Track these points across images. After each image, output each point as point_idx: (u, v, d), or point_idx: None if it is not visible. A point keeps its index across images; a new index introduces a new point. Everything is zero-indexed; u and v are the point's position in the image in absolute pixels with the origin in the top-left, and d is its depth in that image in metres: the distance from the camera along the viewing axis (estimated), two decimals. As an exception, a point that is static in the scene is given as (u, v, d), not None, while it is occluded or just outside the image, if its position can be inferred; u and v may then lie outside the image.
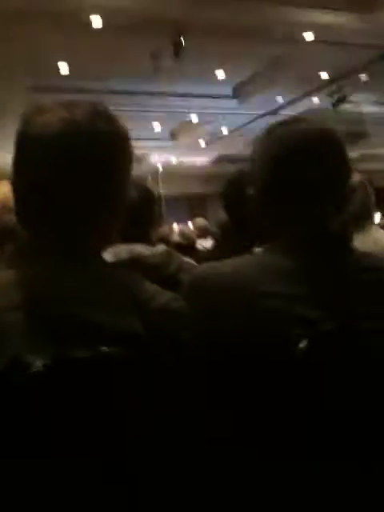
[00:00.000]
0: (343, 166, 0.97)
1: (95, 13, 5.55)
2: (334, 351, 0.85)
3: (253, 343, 0.86)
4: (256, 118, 9.59)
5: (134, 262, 1.56)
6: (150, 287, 0.86)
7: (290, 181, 0.95)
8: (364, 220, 1.93)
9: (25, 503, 0.72)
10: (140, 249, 1.63)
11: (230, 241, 2.01)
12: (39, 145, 0.82)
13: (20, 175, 0.85)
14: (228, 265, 0.97)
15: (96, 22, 5.66)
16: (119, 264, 1.52)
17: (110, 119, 0.86)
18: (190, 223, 5.60)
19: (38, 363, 0.71)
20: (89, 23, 5.67)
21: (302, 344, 0.83)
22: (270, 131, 1.01)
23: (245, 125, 10.04)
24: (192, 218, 7.16)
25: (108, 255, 1.59)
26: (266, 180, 0.98)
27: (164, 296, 0.85)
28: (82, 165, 0.82)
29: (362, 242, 1.18)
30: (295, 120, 1.00)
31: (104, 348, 0.74)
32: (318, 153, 0.95)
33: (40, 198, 0.83)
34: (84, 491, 0.74)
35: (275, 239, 0.99)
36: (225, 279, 0.93)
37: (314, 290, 0.89)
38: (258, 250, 1.72)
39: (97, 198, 0.84)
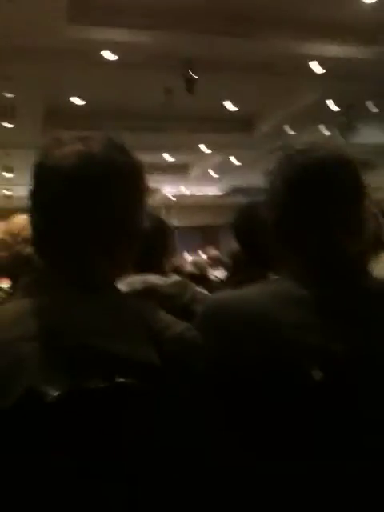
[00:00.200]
0: (360, 194, 0.97)
1: (110, 49, 5.71)
2: (347, 380, 0.85)
3: (266, 372, 0.85)
4: (267, 151, 9.71)
5: (148, 292, 1.56)
6: (165, 317, 0.87)
7: (306, 207, 0.95)
8: (377, 249, 1.94)
9: None
10: (154, 279, 1.64)
11: (242, 270, 2.02)
12: (56, 177, 0.84)
13: (37, 206, 0.87)
14: (242, 293, 0.96)
15: (110, 58, 5.82)
16: (133, 294, 1.53)
17: (124, 151, 0.88)
18: (202, 253, 5.62)
19: (53, 393, 0.71)
20: (103, 59, 5.84)
21: (316, 374, 0.83)
22: (288, 157, 1.00)
23: (256, 157, 10.15)
24: (204, 248, 7.18)
25: (122, 286, 1.60)
26: (283, 206, 0.97)
27: (178, 326, 0.86)
28: (98, 196, 0.84)
29: (376, 270, 1.17)
30: (312, 147, 1.00)
31: (119, 379, 0.74)
32: (336, 180, 0.95)
33: (56, 229, 0.85)
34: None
35: (290, 266, 0.98)
36: (238, 308, 0.93)
37: (327, 318, 0.88)
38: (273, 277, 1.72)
39: (112, 230, 0.86)
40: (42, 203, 0.87)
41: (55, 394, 0.71)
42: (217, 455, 0.82)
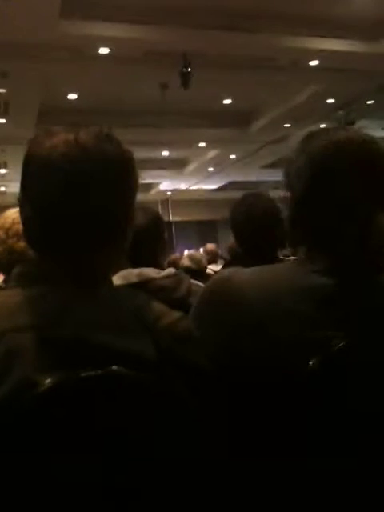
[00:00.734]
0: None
1: (105, 45, 5.69)
2: (347, 375, 0.83)
3: (263, 360, 0.85)
4: (264, 145, 9.71)
5: (143, 285, 1.56)
6: (158, 306, 0.87)
7: (328, 194, 0.92)
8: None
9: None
10: (149, 272, 1.63)
11: (239, 264, 2.01)
12: (46, 167, 0.83)
13: (27, 198, 0.86)
14: (252, 274, 0.94)
15: (106, 53, 5.80)
16: (128, 286, 1.52)
17: (115, 142, 0.88)
18: (201, 250, 5.62)
19: (48, 383, 0.71)
20: (99, 55, 5.82)
21: (312, 362, 0.82)
22: (310, 138, 0.98)
23: (253, 152, 10.16)
24: (202, 243, 7.18)
25: (118, 279, 1.60)
26: (306, 184, 0.94)
27: (172, 315, 0.85)
28: (88, 187, 0.83)
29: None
30: (335, 128, 0.98)
31: (113, 367, 0.73)
32: (359, 155, 0.92)
33: (47, 221, 0.84)
34: (86, 507, 0.73)
35: (307, 254, 0.95)
36: (244, 290, 0.90)
37: (337, 311, 0.86)
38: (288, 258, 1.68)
39: (103, 220, 0.85)
40: (32, 194, 0.86)
41: (48, 382, 0.71)
42: (212, 446, 0.82)
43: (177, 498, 0.78)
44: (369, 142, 0.94)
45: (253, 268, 0.96)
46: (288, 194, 0.99)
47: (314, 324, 0.86)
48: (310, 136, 0.98)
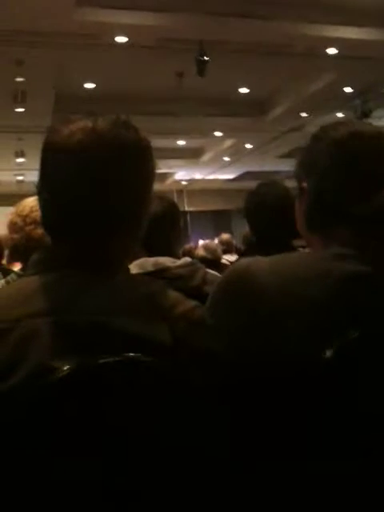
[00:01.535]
0: None
1: (121, 33, 5.66)
2: (362, 360, 0.82)
3: (281, 349, 0.85)
4: (280, 134, 9.63)
5: (159, 274, 1.56)
6: (174, 295, 0.87)
7: (349, 167, 0.92)
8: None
9: (39, 501, 0.73)
10: (164, 260, 1.64)
11: (254, 253, 2.01)
12: (63, 154, 0.84)
13: (45, 185, 0.87)
14: (270, 261, 0.93)
15: (122, 41, 5.77)
16: (144, 274, 1.53)
17: (132, 129, 0.88)
18: (216, 240, 5.61)
19: (64, 368, 0.71)
20: (115, 43, 5.80)
21: (328, 353, 0.81)
22: (327, 126, 0.98)
23: (269, 141, 10.07)
24: (217, 233, 7.16)
25: (134, 268, 1.61)
26: (324, 168, 0.94)
27: (187, 303, 0.85)
28: (105, 174, 0.84)
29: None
30: (350, 120, 0.99)
31: (130, 354, 0.74)
32: (377, 142, 0.93)
33: (63, 207, 0.85)
34: (97, 493, 0.74)
35: (329, 235, 0.94)
36: (265, 277, 0.89)
37: (355, 298, 0.85)
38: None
39: (120, 207, 0.85)
40: (50, 182, 0.87)
41: (66, 368, 0.71)
42: (224, 435, 0.82)
43: (187, 484, 0.78)
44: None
45: (271, 257, 0.95)
46: (303, 182, 0.98)
47: (329, 313, 0.84)
48: (327, 127, 0.98)
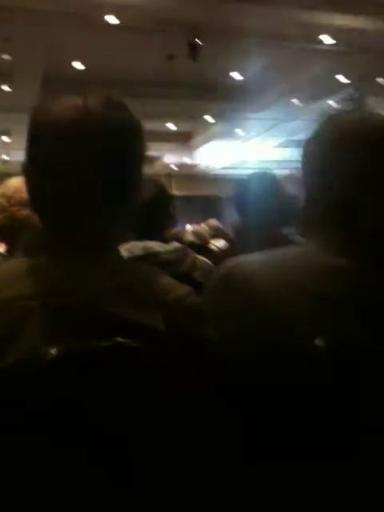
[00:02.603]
0: None
1: (112, 13, 5.57)
2: (359, 356, 0.81)
3: (276, 343, 0.83)
4: (272, 122, 9.61)
5: (148, 259, 1.55)
6: (167, 279, 0.86)
7: (346, 166, 0.90)
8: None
9: (32, 487, 0.72)
10: (154, 245, 1.63)
11: (243, 241, 2.02)
12: (52, 132, 0.82)
13: (33, 163, 0.85)
14: (262, 259, 0.93)
15: (113, 22, 5.68)
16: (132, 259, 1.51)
17: (122, 107, 0.86)
18: (203, 225, 5.60)
19: (54, 352, 0.71)
20: (106, 23, 5.71)
21: (319, 341, 0.80)
22: (324, 122, 0.97)
23: (261, 129, 10.05)
24: (205, 219, 7.15)
25: (123, 252, 1.58)
26: (323, 164, 0.93)
27: (180, 289, 0.84)
28: (95, 152, 0.81)
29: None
30: (349, 111, 0.98)
31: (120, 339, 0.73)
32: (376, 140, 0.90)
33: (52, 186, 0.82)
34: (88, 478, 0.73)
35: (326, 232, 0.93)
36: (256, 273, 0.89)
37: (359, 293, 0.84)
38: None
39: (110, 188, 0.83)
40: (38, 159, 0.84)
41: (54, 352, 0.71)
42: (216, 423, 0.81)
43: (178, 472, 0.77)
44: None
45: (261, 254, 0.94)
46: (303, 173, 0.97)
47: (325, 306, 0.83)
48: (331, 117, 0.96)
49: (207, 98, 8.53)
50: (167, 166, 13.74)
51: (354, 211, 0.90)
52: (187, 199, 14.50)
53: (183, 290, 0.85)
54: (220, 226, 5.31)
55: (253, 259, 0.93)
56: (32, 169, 0.85)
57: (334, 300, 0.83)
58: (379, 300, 0.85)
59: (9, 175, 1.73)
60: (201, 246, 3.76)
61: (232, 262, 0.95)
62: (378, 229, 0.89)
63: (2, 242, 1.81)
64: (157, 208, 1.72)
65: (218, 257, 2.30)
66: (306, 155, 0.97)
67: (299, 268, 0.88)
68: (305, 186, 0.97)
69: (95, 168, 0.81)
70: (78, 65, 7.30)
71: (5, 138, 10.07)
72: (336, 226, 0.91)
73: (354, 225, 0.90)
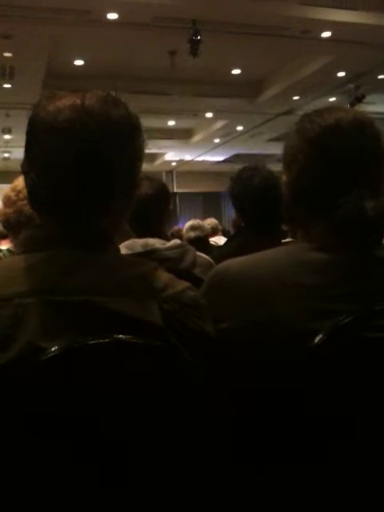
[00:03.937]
0: (379, 152, 0.95)
1: (114, 9, 5.55)
2: (352, 345, 0.83)
3: (272, 334, 0.86)
4: (272, 117, 9.57)
5: (149, 255, 1.55)
6: (165, 275, 0.86)
7: (325, 165, 0.93)
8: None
9: (29, 484, 0.73)
10: (154, 242, 1.63)
11: (243, 237, 2.01)
12: (51, 130, 0.82)
13: (31, 161, 0.86)
14: (253, 257, 0.95)
15: (114, 18, 5.67)
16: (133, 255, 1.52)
17: (121, 106, 0.87)
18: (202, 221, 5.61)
19: (53, 349, 0.71)
20: (107, 20, 5.69)
21: (318, 338, 0.82)
22: (305, 118, 0.99)
23: (260, 123, 10.02)
24: (206, 215, 7.15)
25: (123, 249, 1.59)
26: (301, 164, 0.96)
27: (179, 285, 0.85)
28: (93, 150, 0.82)
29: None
30: (330, 108, 0.99)
31: (120, 335, 0.73)
32: (354, 137, 0.94)
33: (51, 184, 0.83)
34: (86, 473, 0.74)
35: (308, 229, 0.96)
36: (249, 271, 0.92)
37: (342, 282, 0.87)
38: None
39: (108, 184, 0.84)
40: (36, 158, 0.85)
41: (54, 349, 0.71)
42: (214, 420, 0.82)
43: (178, 470, 0.79)
44: (362, 117, 0.96)
45: (247, 256, 0.97)
46: (286, 176, 1.00)
47: (319, 294, 0.86)
48: (306, 116, 0.99)
49: (207, 93, 8.51)
50: (169, 163, 13.72)
51: (333, 205, 0.92)
52: (189, 195, 14.48)
53: (182, 284, 0.85)
54: (218, 223, 5.32)
55: (240, 261, 0.96)
56: (30, 167, 0.86)
57: (319, 292, 0.86)
58: (364, 288, 0.87)
59: (9, 173, 1.75)
60: (200, 242, 3.76)
61: (221, 265, 0.98)
62: (354, 220, 0.91)
63: (10, 232, 1.83)
64: (157, 204, 1.72)
65: (216, 252, 2.29)
66: (285, 149, 1.00)
67: (284, 265, 0.90)
68: (285, 181, 1.00)
69: (93, 165, 0.82)
70: (79, 61, 7.29)
71: (7, 136, 10.06)
72: (316, 220, 0.94)
73: (333, 218, 0.92)
